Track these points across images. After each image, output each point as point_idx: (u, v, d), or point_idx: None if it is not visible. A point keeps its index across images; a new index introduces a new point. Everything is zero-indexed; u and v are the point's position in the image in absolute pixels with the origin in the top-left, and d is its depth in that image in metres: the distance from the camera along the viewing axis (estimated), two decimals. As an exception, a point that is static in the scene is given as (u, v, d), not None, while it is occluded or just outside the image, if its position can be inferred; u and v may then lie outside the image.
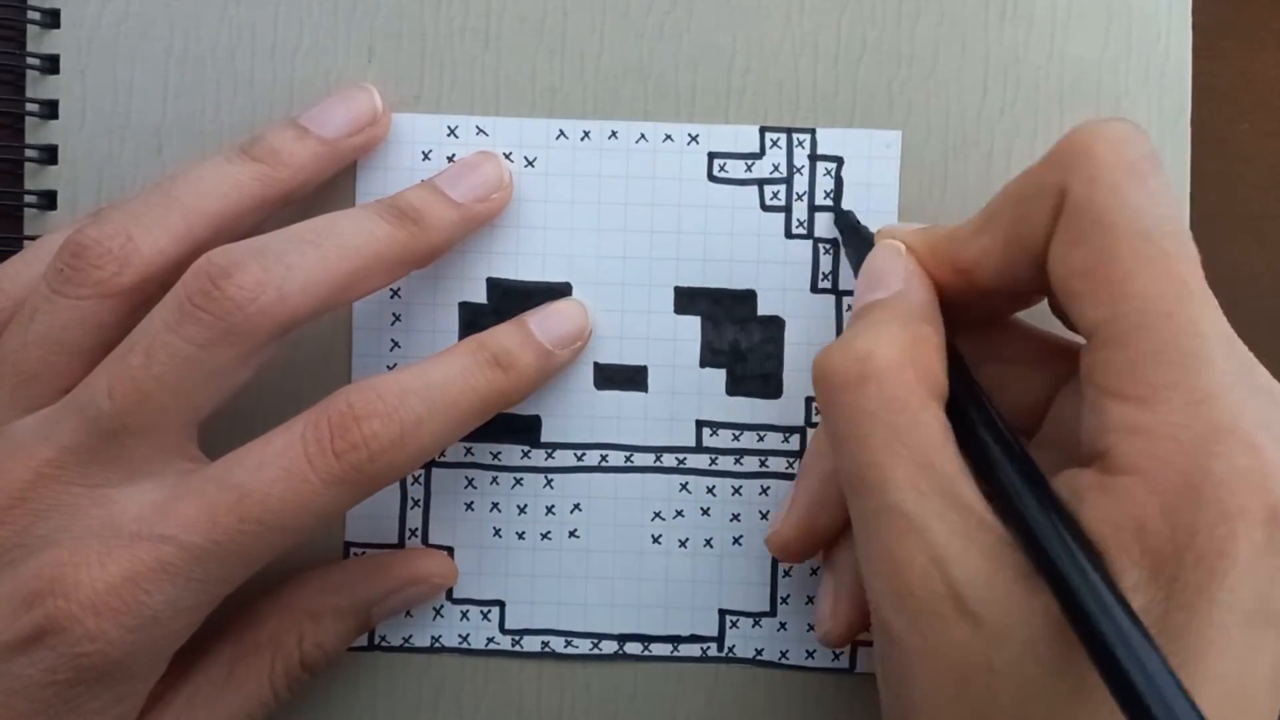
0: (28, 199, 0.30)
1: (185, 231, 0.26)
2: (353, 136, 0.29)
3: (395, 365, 0.30)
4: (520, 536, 0.30)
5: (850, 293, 0.30)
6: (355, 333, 0.30)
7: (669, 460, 0.30)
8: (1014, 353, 0.27)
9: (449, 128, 0.30)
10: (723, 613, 0.30)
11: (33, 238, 0.30)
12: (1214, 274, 0.31)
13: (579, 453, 0.30)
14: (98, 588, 0.23)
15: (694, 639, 0.30)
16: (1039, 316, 0.26)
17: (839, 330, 0.30)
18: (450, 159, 0.30)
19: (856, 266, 0.28)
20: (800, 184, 0.30)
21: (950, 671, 0.21)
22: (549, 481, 0.30)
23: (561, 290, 0.30)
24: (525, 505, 0.30)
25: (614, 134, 0.30)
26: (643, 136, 0.30)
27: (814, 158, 0.30)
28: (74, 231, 0.26)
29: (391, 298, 0.30)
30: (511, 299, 0.30)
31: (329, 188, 0.30)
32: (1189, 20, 0.30)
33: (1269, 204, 0.32)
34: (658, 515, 0.30)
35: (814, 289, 0.30)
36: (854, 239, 0.29)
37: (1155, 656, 0.19)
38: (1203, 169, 0.30)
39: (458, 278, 0.30)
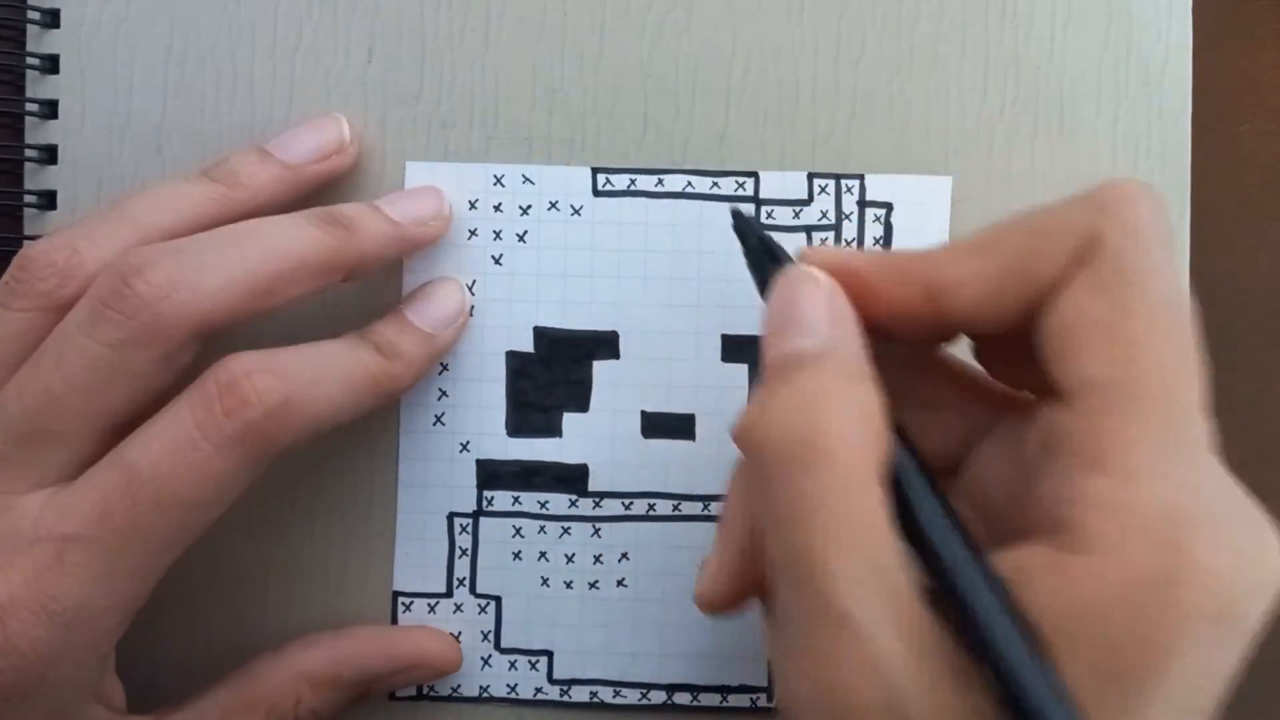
0: (28, 199, 0.30)
1: (134, 247, 0.26)
2: (317, 163, 0.29)
3: (443, 415, 0.30)
4: (568, 586, 0.30)
5: None
6: None
7: (717, 509, 0.30)
8: (934, 394, 0.25)
9: (495, 176, 0.30)
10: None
11: (33, 238, 0.30)
12: (1214, 274, 0.31)
13: (626, 502, 0.30)
14: (1, 599, 0.23)
15: (743, 689, 0.30)
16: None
17: None
18: (497, 208, 0.30)
19: (761, 285, 0.25)
20: (849, 230, 0.30)
21: None
22: (596, 531, 0.30)
23: (609, 339, 0.30)
24: (573, 554, 0.30)
25: (660, 181, 0.30)
26: (689, 184, 0.30)
27: (863, 204, 0.30)
28: (25, 246, 0.26)
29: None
30: (559, 347, 0.30)
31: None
32: (1189, 20, 0.30)
33: (1269, 204, 0.32)
34: None
35: None
36: (756, 249, 0.26)
37: None
38: (1203, 169, 0.30)
39: (504, 327, 0.30)
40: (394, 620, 0.30)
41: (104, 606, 0.24)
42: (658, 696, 0.30)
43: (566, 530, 0.30)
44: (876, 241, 0.30)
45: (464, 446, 0.30)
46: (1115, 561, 0.19)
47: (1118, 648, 0.19)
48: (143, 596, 0.25)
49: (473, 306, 0.30)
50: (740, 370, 0.30)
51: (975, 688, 0.19)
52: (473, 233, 0.30)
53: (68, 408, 0.24)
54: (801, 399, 0.21)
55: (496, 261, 0.30)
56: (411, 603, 0.30)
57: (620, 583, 0.30)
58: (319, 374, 0.25)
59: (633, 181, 0.30)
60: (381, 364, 0.27)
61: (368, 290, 0.30)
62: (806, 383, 0.21)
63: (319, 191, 0.29)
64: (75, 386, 0.24)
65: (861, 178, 0.30)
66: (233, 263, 0.25)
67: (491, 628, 0.30)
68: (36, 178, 0.30)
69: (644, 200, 0.30)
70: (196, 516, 0.24)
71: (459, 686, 0.30)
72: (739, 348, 0.30)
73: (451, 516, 0.30)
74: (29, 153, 0.30)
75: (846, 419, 0.20)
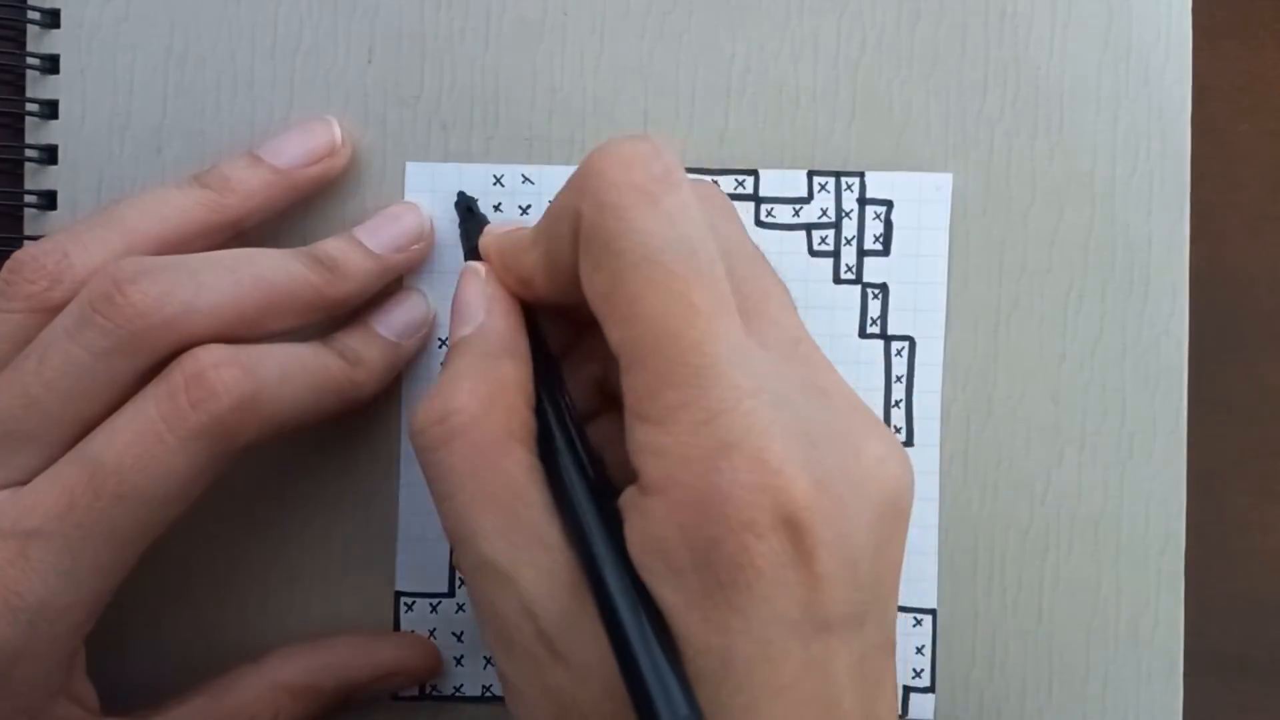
0: (28, 199, 0.30)
1: (124, 251, 0.26)
2: (308, 167, 0.29)
3: None
4: None
5: (899, 337, 0.30)
6: (404, 383, 0.30)
7: None
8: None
9: (495, 176, 0.30)
10: None
11: (33, 238, 0.30)
12: (1214, 274, 0.31)
13: None
14: None
15: None
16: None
17: (887, 375, 0.30)
18: (496, 208, 0.30)
19: (467, 257, 0.28)
20: (849, 228, 0.30)
21: (551, 712, 0.22)
22: None
23: None
24: None
25: None
26: None
27: (863, 201, 0.30)
28: (18, 249, 0.26)
29: (440, 347, 0.30)
30: None
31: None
32: (1189, 20, 0.30)
33: (1269, 204, 0.32)
34: None
35: (862, 334, 0.30)
36: (470, 229, 0.29)
37: (677, 690, 0.19)
38: (1203, 169, 0.30)
39: None
40: (396, 621, 0.30)
41: (68, 603, 0.24)
42: None
43: None
44: (877, 239, 0.30)
45: (465, 446, 0.30)
46: (669, 498, 0.21)
47: (691, 577, 0.20)
48: (108, 593, 0.25)
49: None
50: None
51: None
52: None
53: (44, 410, 0.24)
54: (444, 385, 0.24)
55: (497, 261, 0.30)
56: (414, 603, 0.30)
57: None
58: (286, 372, 0.25)
59: None
60: (345, 369, 0.27)
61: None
62: (454, 366, 0.24)
63: (313, 194, 0.30)
64: (54, 390, 0.24)
65: (861, 175, 0.30)
66: (226, 286, 0.25)
67: (493, 627, 0.30)
68: (36, 178, 0.30)
69: None
70: (159, 512, 0.24)
71: (461, 686, 0.30)
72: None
73: (453, 516, 0.30)
74: (29, 153, 0.30)
75: (477, 397, 0.23)
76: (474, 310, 0.25)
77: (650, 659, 0.20)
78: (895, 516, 0.22)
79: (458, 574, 0.30)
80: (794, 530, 0.20)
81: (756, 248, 0.25)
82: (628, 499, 0.22)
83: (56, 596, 0.24)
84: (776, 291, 0.24)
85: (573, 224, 0.23)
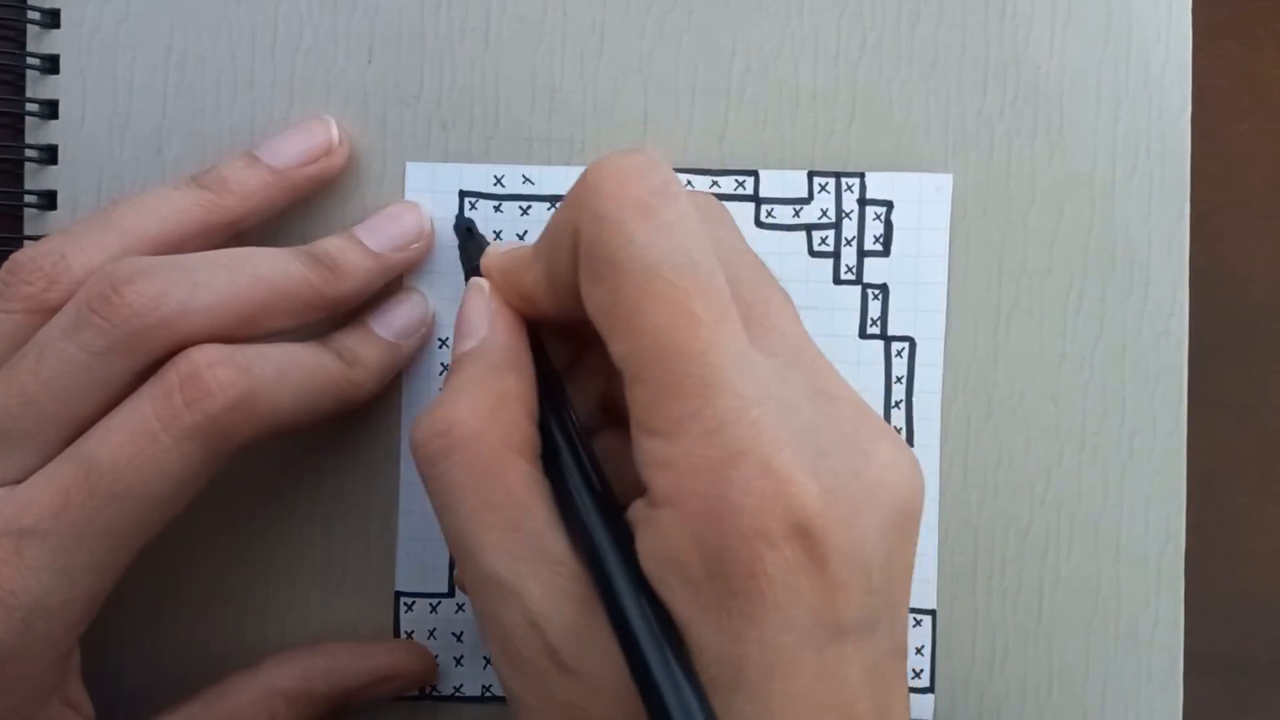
0: (28, 199, 0.30)
1: (121, 252, 0.26)
2: (305, 167, 0.29)
3: None
4: None
5: (899, 338, 0.30)
6: (404, 383, 0.30)
7: None
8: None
9: (495, 176, 0.30)
10: None
11: (33, 238, 0.30)
12: (1214, 274, 0.31)
13: None
14: None
15: None
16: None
17: (887, 376, 0.30)
18: (497, 208, 0.30)
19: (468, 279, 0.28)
20: (849, 229, 0.30)
21: None
22: None
23: None
24: None
25: None
26: (689, 183, 0.30)
27: (863, 202, 0.30)
28: (16, 251, 0.26)
29: (440, 347, 0.30)
30: None
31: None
32: (1189, 20, 0.30)
33: (1269, 204, 0.32)
34: None
35: (862, 335, 0.30)
36: (470, 250, 0.29)
37: (694, 701, 0.19)
38: (1203, 169, 0.30)
39: None
40: (396, 621, 0.30)
41: (61, 601, 0.24)
42: None
43: None
44: (877, 240, 0.30)
45: (465, 446, 0.30)
46: (679, 510, 0.21)
47: (705, 588, 0.20)
48: (103, 593, 0.25)
49: None
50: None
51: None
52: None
53: (41, 410, 0.24)
54: (446, 399, 0.24)
55: (497, 261, 0.30)
56: (414, 603, 0.30)
57: None
58: (282, 372, 0.25)
59: None
60: (343, 370, 0.27)
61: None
62: (456, 379, 0.24)
63: (312, 194, 0.30)
64: (51, 389, 0.24)
65: (862, 176, 0.30)
66: (223, 285, 0.25)
67: (493, 627, 0.30)
68: (36, 178, 0.30)
69: None
70: (154, 511, 0.24)
71: (461, 686, 0.30)
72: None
73: (452, 516, 0.30)
74: (29, 153, 0.30)
75: (478, 411, 0.23)
76: (477, 325, 0.25)
77: (665, 670, 0.20)
78: (906, 520, 0.22)
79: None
80: (806, 538, 0.20)
81: (756, 256, 0.25)
82: (637, 512, 0.22)
83: (50, 595, 0.24)
84: (778, 299, 0.24)
85: (571, 239, 0.23)
